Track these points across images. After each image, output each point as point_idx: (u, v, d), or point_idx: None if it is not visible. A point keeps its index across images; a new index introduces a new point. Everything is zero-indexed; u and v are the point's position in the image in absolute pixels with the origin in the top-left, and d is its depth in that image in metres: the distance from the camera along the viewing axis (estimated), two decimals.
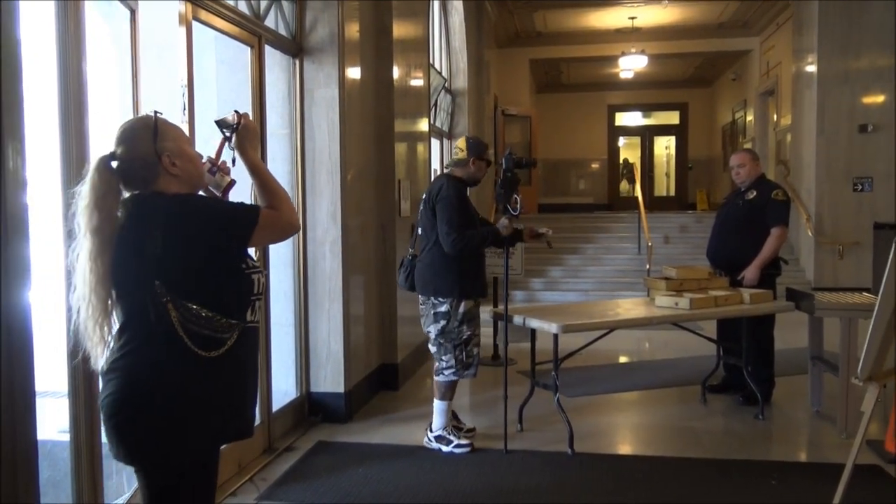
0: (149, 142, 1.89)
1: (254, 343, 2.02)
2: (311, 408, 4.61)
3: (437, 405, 4.15)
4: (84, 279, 1.84)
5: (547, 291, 10.49)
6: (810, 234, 9.97)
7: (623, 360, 6.62)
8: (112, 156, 1.90)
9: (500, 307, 4.39)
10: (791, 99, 11.15)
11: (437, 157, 9.19)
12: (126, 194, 1.92)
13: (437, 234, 3.99)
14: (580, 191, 18.21)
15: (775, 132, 12.66)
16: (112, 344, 1.88)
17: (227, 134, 2.07)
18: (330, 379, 4.59)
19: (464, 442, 4.12)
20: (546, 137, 15.90)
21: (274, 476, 3.73)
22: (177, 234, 1.83)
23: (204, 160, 2.09)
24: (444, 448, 4.12)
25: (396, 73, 5.49)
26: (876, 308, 1.99)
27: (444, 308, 4.01)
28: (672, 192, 18.84)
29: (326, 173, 4.54)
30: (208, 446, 1.95)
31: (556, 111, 17.15)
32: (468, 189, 4.17)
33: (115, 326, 1.90)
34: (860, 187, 9.89)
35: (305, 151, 4.55)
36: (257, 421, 3.98)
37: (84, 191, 1.86)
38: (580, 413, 4.74)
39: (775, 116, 12.63)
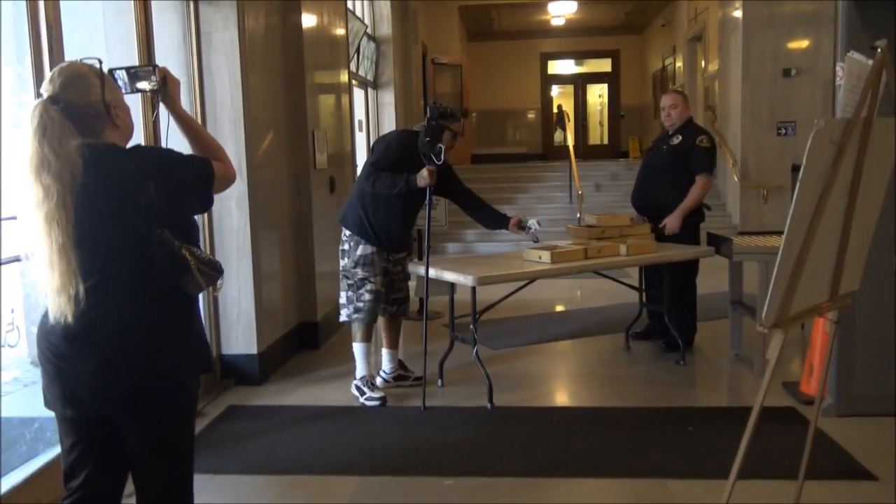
0: (98, 91, 1.84)
1: None
2: (223, 370, 4.40)
3: (355, 348, 4.11)
4: (44, 232, 1.73)
5: (480, 243, 10.39)
6: (736, 178, 10.08)
7: (547, 309, 6.57)
8: (54, 100, 1.79)
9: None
10: (717, 44, 11.15)
11: (362, 108, 8.89)
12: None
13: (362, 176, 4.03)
14: (514, 141, 18.08)
15: (703, 78, 12.69)
16: (85, 298, 1.76)
17: (152, 88, 1.99)
18: (242, 340, 4.38)
19: (375, 395, 4.04)
20: (479, 87, 15.65)
21: None
22: (167, 184, 1.83)
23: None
24: (359, 398, 4.05)
25: (307, 19, 5.18)
26: (780, 249, 1.89)
27: (346, 245, 4.05)
28: (605, 141, 18.88)
29: (229, 123, 4.25)
30: (198, 383, 2.03)
31: (488, 60, 16.86)
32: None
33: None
34: (784, 131, 10.00)
35: (205, 101, 4.25)
36: None
37: (33, 133, 1.74)
38: (502, 365, 4.66)
39: (703, 62, 12.65)
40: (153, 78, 1.99)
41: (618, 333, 5.26)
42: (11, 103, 3.42)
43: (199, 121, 4.21)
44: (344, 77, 6.36)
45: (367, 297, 3.99)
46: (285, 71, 5.05)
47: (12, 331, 3.34)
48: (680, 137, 4.90)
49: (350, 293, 4.02)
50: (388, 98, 9.42)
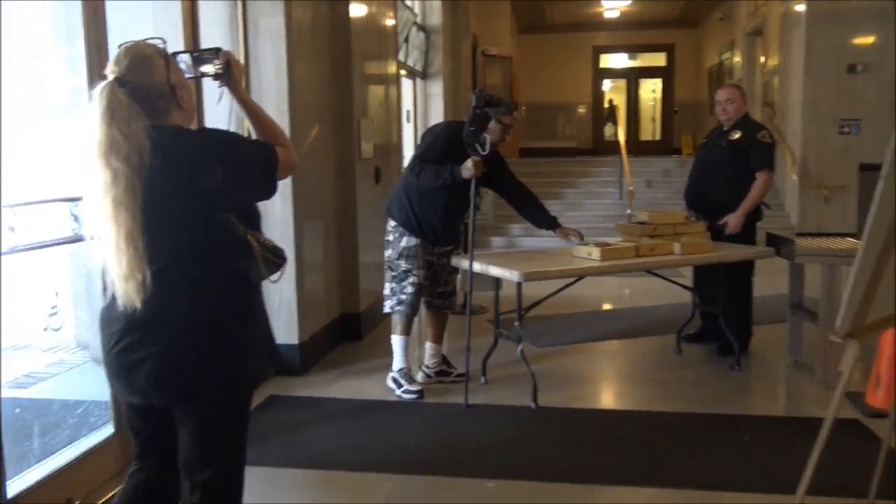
0: (163, 72, 1.81)
1: None
2: None
3: (394, 340, 4.04)
4: (111, 217, 1.68)
5: (526, 237, 10.22)
6: (795, 177, 9.72)
7: (595, 307, 6.40)
8: (121, 81, 1.75)
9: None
10: (779, 39, 10.77)
11: (409, 98, 8.81)
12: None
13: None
14: (564, 135, 17.83)
15: (762, 73, 12.28)
16: (150, 284, 1.71)
17: (216, 71, 1.97)
18: (283, 329, 4.32)
19: (412, 388, 3.96)
20: (529, 80, 15.44)
21: None
22: (232, 168, 1.79)
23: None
24: (396, 391, 3.98)
25: (356, 8, 5.10)
26: (858, 256, 1.72)
27: (390, 236, 3.98)
28: (658, 137, 18.47)
29: (275, 111, 4.18)
30: (262, 372, 2.01)
31: (539, 53, 16.63)
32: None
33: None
34: (847, 129, 9.61)
35: (251, 86, 4.19)
36: None
37: (101, 116, 1.70)
38: (547, 364, 4.52)
39: (762, 57, 12.24)
40: (217, 62, 1.97)
41: (668, 335, 5.06)
42: (62, 86, 3.41)
43: None
44: (392, 67, 6.27)
45: (409, 289, 3.91)
46: (332, 60, 4.98)
47: (56, 314, 3.32)
48: (739, 133, 4.69)
49: (394, 284, 3.96)
50: (437, 89, 9.31)
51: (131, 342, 1.80)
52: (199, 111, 3.72)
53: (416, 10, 8.87)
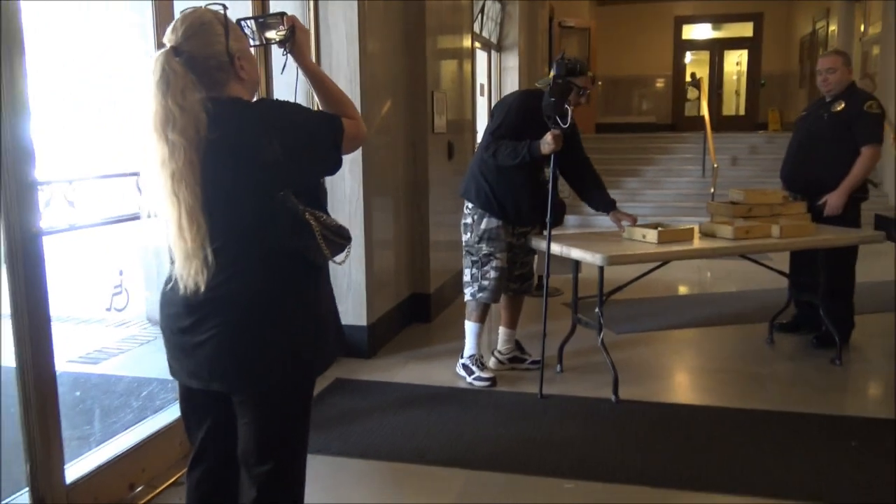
0: (221, 38, 1.70)
1: None
2: None
3: (467, 326, 3.86)
4: (172, 192, 1.61)
5: (601, 216, 9.76)
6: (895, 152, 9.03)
7: (679, 291, 6.06)
8: (177, 51, 1.67)
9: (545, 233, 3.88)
10: (882, 4, 9.98)
11: (484, 71, 8.53)
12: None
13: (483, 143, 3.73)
14: (642, 110, 17.20)
15: (861, 43, 11.47)
16: (212, 265, 1.65)
17: (279, 39, 1.84)
18: (351, 311, 4.19)
19: (485, 375, 3.77)
20: (606, 53, 14.89)
21: None
22: (293, 142, 1.68)
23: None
24: (467, 378, 3.80)
25: None
26: None
27: (469, 219, 3.78)
28: (742, 112, 17.62)
29: (345, 81, 4.01)
30: (328, 360, 1.90)
31: (617, 24, 16.00)
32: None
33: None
34: (882, 106, 8.82)
35: (321, 56, 4.02)
36: None
37: (155, 87, 1.62)
38: (628, 353, 4.25)
39: (862, 25, 11.42)
40: (281, 27, 1.85)
41: (759, 323, 4.71)
42: (132, 53, 3.31)
43: None
44: (466, 40, 6.02)
45: (492, 274, 3.70)
46: (405, 30, 4.76)
47: (120, 293, 3.25)
48: (843, 103, 4.28)
49: (474, 270, 3.74)
50: (512, 62, 8.99)
51: (192, 323, 1.72)
52: (268, 82, 3.57)
53: None
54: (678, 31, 17.17)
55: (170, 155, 1.59)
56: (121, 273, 3.23)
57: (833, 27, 12.99)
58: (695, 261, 6.64)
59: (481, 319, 3.81)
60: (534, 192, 3.73)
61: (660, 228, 3.68)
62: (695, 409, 3.53)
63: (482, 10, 8.11)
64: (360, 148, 3.99)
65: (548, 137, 3.49)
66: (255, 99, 1.82)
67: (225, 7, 1.73)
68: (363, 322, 4.18)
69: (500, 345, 4.02)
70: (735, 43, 17.65)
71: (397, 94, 4.66)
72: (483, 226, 3.70)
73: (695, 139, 11.59)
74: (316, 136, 1.76)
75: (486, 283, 3.71)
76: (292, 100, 1.87)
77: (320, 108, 1.89)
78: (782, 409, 3.45)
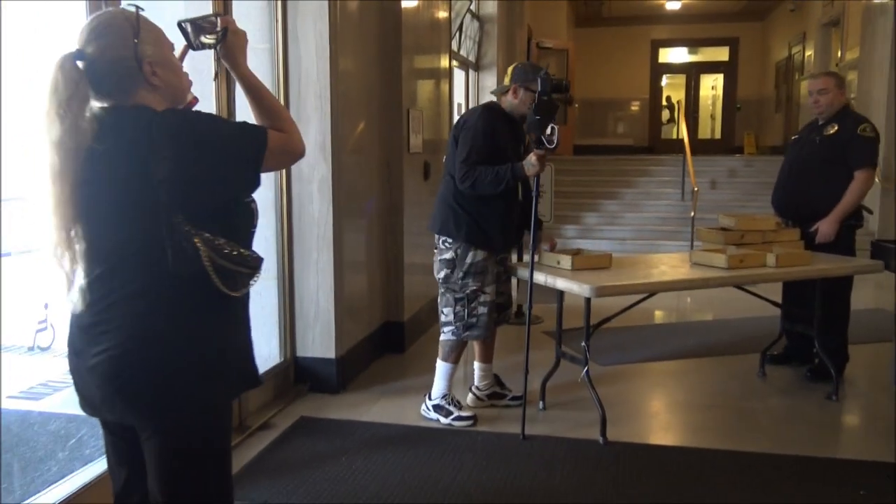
0: (129, 42, 1.56)
1: None
2: (297, 375, 3.94)
3: (439, 367, 3.54)
4: (50, 210, 1.51)
5: (581, 240, 9.65)
6: (877, 180, 8.94)
7: (665, 319, 5.84)
8: (79, 54, 1.54)
9: (527, 258, 3.64)
10: (860, 30, 9.98)
11: (462, 90, 8.33)
12: (95, 104, 1.57)
13: (454, 165, 3.39)
14: (619, 132, 17.16)
15: (838, 68, 11.47)
16: (94, 288, 1.55)
17: (212, 42, 1.68)
18: (319, 342, 3.90)
19: (465, 414, 3.49)
20: (584, 75, 14.81)
21: (239, 463, 3.07)
22: (190, 156, 1.51)
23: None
24: (443, 419, 3.50)
25: None
26: None
27: (449, 255, 3.42)
28: (717, 135, 17.67)
29: (314, 97, 3.76)
30: (230, 395, 1.72)
31: (595, 47, 15.98)
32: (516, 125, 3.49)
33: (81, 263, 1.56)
34: (876, 129, 8.79)
35: (289, 70, 3.77)
36: None
37: (45, 94, 1.51)
38: (613, 387, 4.00)
39: (839, 51, 11.43)
40: (217, 29, 1.68)
41: (749, 354, 4.50)
42: None
43: (282, 94, 3.75)
44: (444, 58, 5.80)
45: (482, 310, 3.42)
46: (380, 47, 4.53)
47: (45, 330, 2.92)
48: (836, 127, 4.11)
49: (458, 308, 3.43)
50: (490, 81, 8.80)
51: (83, 346, 1.60)
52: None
53: None
54: (655, 55, 17.20)
55: (49, 168, 1.48)
56: (46, 307, 2.88)
57: (809, 52, 13.02)
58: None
59: (458, 360, 3.55)
60: (513, 213, 3.53)
61: (578, 255, 3.49)
62: (687, 451, 3.28)
63: (460, 29, 7.93)
64: (330, 166, 3.75)
65: (532, 159, 3.26)
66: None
67: (139, 8, 1.59)
68: (332, 354, 3.89)
69: (478, 380, 3.75)
70: (711, 67, 17.72)
71: (371, 112, 4.41)
72: (469, 260, 3.39)
73: (672, 162, 11.49)
74: (224, 151, 1.57)
75: (474, 320, 3.43)
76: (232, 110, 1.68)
77: (248, 121, 1.71)
78: (779, 452, 3.21)
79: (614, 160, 12.26)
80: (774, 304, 4.19)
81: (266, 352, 3.88)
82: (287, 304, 3.87)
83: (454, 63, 7.84)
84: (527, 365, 3.38)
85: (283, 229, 3.83)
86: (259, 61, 3.72)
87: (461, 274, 3.39)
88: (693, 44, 17.57)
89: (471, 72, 8.71)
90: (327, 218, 3.82)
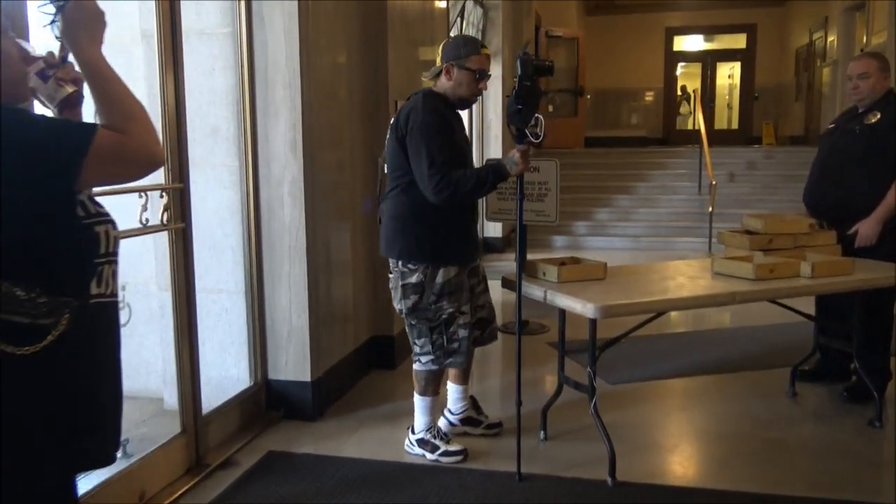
0: None
1: (107, 326, 1.44)
2: (269, 400, 3.52)
3: (418, 402, 3.10)
4: None
5: (592, 237, 9.20)
6: None
7: (682, 327, 5.37)
8: None
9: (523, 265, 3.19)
10: (888, 12, 9.41)
11: None
12: None
13: (405, 175, 2.87)
14: (632, 123, 16.63)
15: (856, 55, 10.90)
16: None
17: (50, 15, 1.38)
18: (293, 363, 3.47)
19: (453, 449, 3.05)
20: (595, 65, 14.30)
21: None
22: None
23: (38, 58, 1.44)
24: (429, 455, 3.07)
25: None
26: None
27: (415, 278, 2.91)
28: (735, 126, 17.09)
29: (283, 87, 3.33)
30: (39, 480, 1.35)
31: (606, 36, 15.44)
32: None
33: None
34: None
35: (255, 57, 3.34)
36: (175, 428, 2.91)
37: None
38: (624, 412, 3.56)
39: (864, 36, 10.85)
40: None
41: (778, 369, 4.04)
42: None
43: (246, 84, 3.32)
44: (440, 34, 5.34)
45: (461, 333, 2.96)
46: (362, 31, 4.08)
47: None
48: (879, 114, 3.62)
49: (435, 336, 2.96)
50: (496, 71, 8.28)
51: None
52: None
53: None
54: (669, 43, 16.63)
55: None
56: None
57: (832, 37, 12.43)
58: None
59: (437, 391, 3.10)
60: (476, 218, 3.10)
61: (564, 266, 3.04)
62: (708, 494, 2.82)
63: (461, 14, 7.47)
64: (302, 166, 3.32)
65: (515, 156, 2.81)
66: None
67: None
68: (306, 377, 3.46)
69: (452, 403, 3.31)
70: (727, 55, 17.13)
71: (353, 105, 3.97)
72: (440, 279, 2.90)
73: (688, 154, 10.98)
74: (17, 162, 1.22)
75: (455, 345, 2.97)
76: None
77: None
78: (816, 495, 2.76)
79: (627, 153, 11.76)
80: (808, 316, 3.72)
81: (234, 374, 3.47)
82: (257, 322, 3.45)
83: None
84: (518, 394, 2.90)
85: (251, 239, 3.40)
86: (220, 47, 3.31)
87: (433, 297, 2.91)
88: (709, 31, 16.98)
89: None
90: (300, 224, 3.39)
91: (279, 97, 3.33)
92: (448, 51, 2.92)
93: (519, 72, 2.75)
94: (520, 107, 2.75)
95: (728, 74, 17.44)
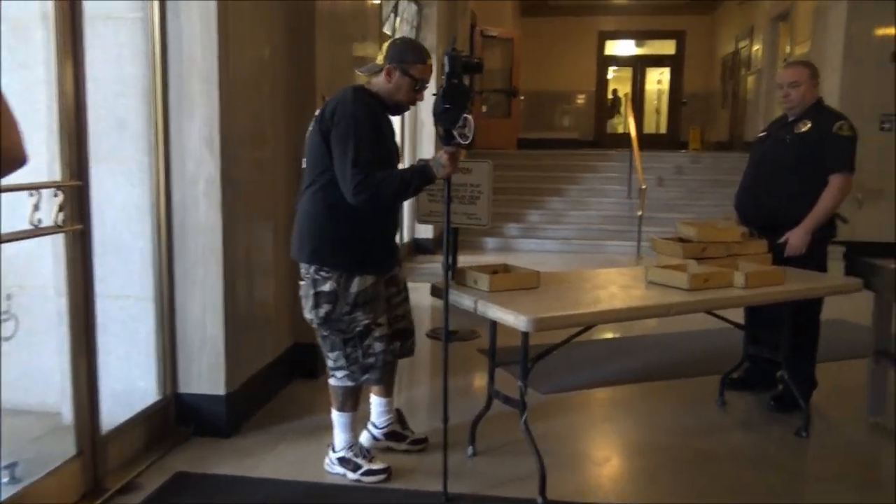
0: None
1: None
2: (178, 416, 3.27)
3: (336, 418, 2.92)
4: None
5: (523, 239, 9.17)
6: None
7: (611, 333, 5.32)
8: None
9: (454, 272, 3.04)
10: (811, 24, 9.69)
11: None
12: None
13: (325, 171, 2.67)
14: (564, 126, 16.75)
15: (786, 63, 11.21)
16: None
17: None
18: (206, 375, 3.24)
19: (376, 467, 2.88)
20: (529, 66, 14.31)
21: None
22: None
23: None
24: (350, 474, 2.88)
25: None
26: None
27: (328, 286, 2.71)
28: (663, 130, 17.42)
29: (199, 80, 3.09)
30: None
31: (541, 38, 15.48)
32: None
33: None
34: (888, 126, 8.56)
35: (168, 47, 3.09)
36: (71, 449, 2.65)
37: None
38: (556, 422, 3.47)
39: (788, 46, 11.16)
40: None
41: (707, 377, 4.02)
42: None
43: (158, 76, 3.08)
44: (373, 46, 5.16)
45: (378, 347, 2.78)
46: (289, 18, 3.86)
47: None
48: (809, 123, 3.63)
49: (349, 350, 2.77)
50: None
51: None
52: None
53: None
54: (601, 47, 16.84)
55: None
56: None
57: (757, 46, 12.77)
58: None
59: (356, 406, 2.93)
60: (397, 223, 2.99)
61: (494, 273, 2.92)
62: None
63: (395, 10, 7.29)
64: (219, 163, 3.10)
65: (443, 157, 2.65)
66: None
67: None
68: (220, 391, 3.23)
69: (376, 416, 3.14)
70: (657, 60, 17.46)
71: (276, 102, 3.76)
72: (354, 288, 2.71)
73: (619, 157, 11.08)
74: None
75: (372, 360, 2.79)
76: None
77: None
78: None
79: (560, 155, 11.79)
80: (737, 325, 3.70)
81: (141, 387, 3.21)
82: (167, 331, 3.20)
83: None
84: (445, 411, 2.75)
85: (162, 241, 3.15)
86: (128, 33, 3.06)
87: (347, 308, 2.72)
88: (639, 36, 17.29)
89: None
90: (216, 225, 3.16)
91: (195, 90, 3.09)
92: (394, 52, 2.74)
93: (447, 69, 2.60)
94: (447, 106, 2.61)
95: (657, 80, 17.77)
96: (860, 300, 3.53)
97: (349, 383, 2.82)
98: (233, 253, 3.25)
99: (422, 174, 2.65)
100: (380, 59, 2.76)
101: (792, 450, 3.29)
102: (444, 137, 2.68)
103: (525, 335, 2.64)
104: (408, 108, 2.92)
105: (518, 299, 2.74)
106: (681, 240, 3.49)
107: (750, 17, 13.23)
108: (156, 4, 3.04)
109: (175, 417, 3.25)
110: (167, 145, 3.12)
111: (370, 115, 2.65)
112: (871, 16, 8.41)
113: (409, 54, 2.73)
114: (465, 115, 2.65)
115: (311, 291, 2.74)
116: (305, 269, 2.77)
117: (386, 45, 2.81)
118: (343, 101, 2.65)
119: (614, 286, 3.15)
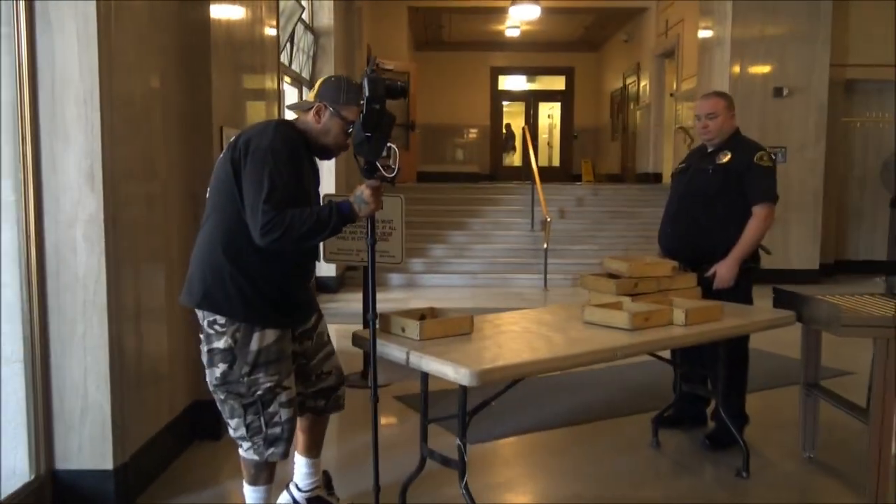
0: None
1: None
2: (57, 496, 2.78)
3: (248, 493, 2.54)
4: None
5: (429, 274, 8.93)
6: None
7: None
8: None
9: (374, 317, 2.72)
10: (696, 60, 10.06)
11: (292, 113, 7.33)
12: None
13: (230, 204, 2.34)
14: (459, 159, 16.79)
15: (674, 98, 11.62)
16: None
17: None
18: (89, 448, 2.77)
19: None
20: (425, 100, 14.25)
21: None
22: None
23: None
24: None
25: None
26: None
27: (222, 342, 2.35)
28: (556, 163, 17.78)
29: (76, 103, 2.68)
30: None
31: (435, 71, 15.49)
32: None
33: None
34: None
35: (37, 66, 2.67)
36: None
37: None
38: (490, 476, 3.21)
39: (675, 81, 11.58)
40: None
41: (638, 415, 3.88)
42: None
43: (27, 99, 2.64)
44: (271, 77, 4.83)
45: (284, 415, 2.41)
46: (181, 42, 3.49)
47: None
48: (729, 154, 3.59)
49: (251, 418, 2.39)
50: None
51: None
52: None
53: (304, 2, 7.43)
54: (494, 82, 17.05)
55: None
56: None
57: (644, 82, 13.21)
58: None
59: (271, 479, 2.55)
60: (313, 268, 2.66)
61: (422, 319, 2.66)
62: None
63: (291, 39, 6.97)
64: (101, 201, 2.69)
65: (364, 193, 2.36)
66: None
67: None
68: (107, 464, 2.77)
69: (300, 478, 2.76)
70: (548, 95, 17.86)
71: (169, 132, 3.36)
72: (254, 346, 2.36)
73: (519, 190, 11.11)
74: None
75: (275, 430, 2.41)
76: None
77: None
78: None
79: (460, 188, 11.71)
80: (668, 361, 3.57)
81: (10, 465, 2.71)
82: (40, 398, 2.72)
83: (286, 80, 6.88)
84: (376, 479, 2.44)
85: (33, 294, 2.68)
86: None
87: (246, 368, 2.36)
88: (531, 72, 17.65)
89: (304, 90, 7.75)
90: (98, 273, 2.72)
91: (71, 116, 2.67)
92: (325, 90, 2.43)
93: (367, 93, 2.32)
94: (369, 135, 2.33)
95: (548, 114, 18.15)
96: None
97: (253, 457, 2.44)
98: (119, 305, 2.82)
99: (341, 213, 2.33)
100: (311, 96, 2.45)
101: (733, 493, 3.14)
102: (366, 170, 2.40)
103: (464, 388, 2.36)
104: (336, 154, 2.57)
105: (454, 347, 2.47)
106: (610, 275, 3.33)
107: (636, 54, 13.71)
108: (22, 18, 2.62)
109: (52, 500, 2.75)
110: (38, 180, 2.68)
111: (291, 151, 2.32)
112: (753, 54, 8.79)
113: (343, 94, 2.42)
114: (389, 144, 2.38)
115: (206, 348, 2.37)
116: (200, 318, 2.40)
117: (320, 81, 2.50)
118: (262, 132, 2.33)
119: (548, 328, 2.94)
